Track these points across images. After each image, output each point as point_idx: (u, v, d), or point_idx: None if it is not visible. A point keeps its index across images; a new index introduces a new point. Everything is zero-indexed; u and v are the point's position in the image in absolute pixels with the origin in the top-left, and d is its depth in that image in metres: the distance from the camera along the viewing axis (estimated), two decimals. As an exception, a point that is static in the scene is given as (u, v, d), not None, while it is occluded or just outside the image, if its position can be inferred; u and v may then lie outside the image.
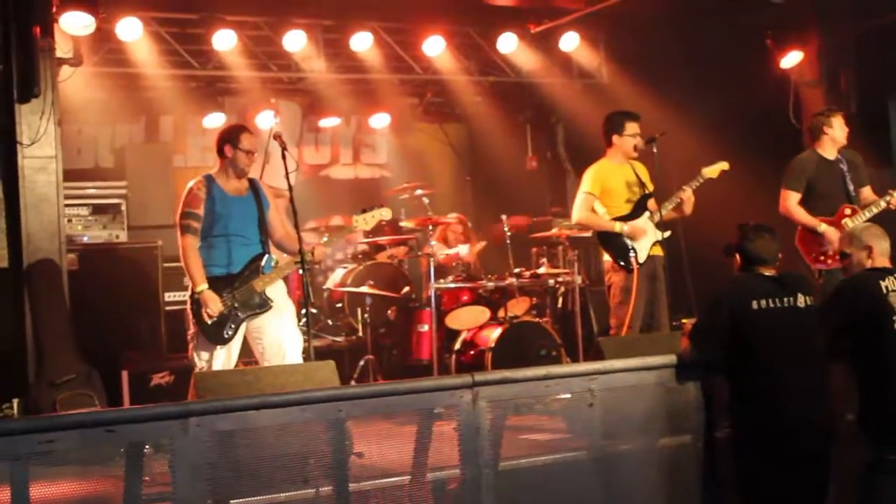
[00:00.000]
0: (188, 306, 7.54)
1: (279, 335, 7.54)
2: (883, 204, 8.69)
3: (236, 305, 7.46)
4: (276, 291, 7.65)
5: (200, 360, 7.48)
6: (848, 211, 8.79)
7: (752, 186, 9.64)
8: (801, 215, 8.79)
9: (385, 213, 7.97)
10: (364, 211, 7.91)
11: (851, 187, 8.89)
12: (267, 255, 7.65)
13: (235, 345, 7.54)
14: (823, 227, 8.71)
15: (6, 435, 4.69)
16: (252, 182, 7.80)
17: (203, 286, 7.39)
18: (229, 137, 7.68)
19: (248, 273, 7.55)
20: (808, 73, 10.82)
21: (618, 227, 8.61)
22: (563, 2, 11.76)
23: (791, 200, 8.82)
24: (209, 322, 7.40)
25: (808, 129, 9.26)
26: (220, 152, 7.69)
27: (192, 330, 7.56)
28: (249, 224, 7.67)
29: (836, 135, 8.95)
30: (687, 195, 8.64)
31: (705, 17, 10.99)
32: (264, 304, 7.53)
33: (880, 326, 6.01)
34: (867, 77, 10.69)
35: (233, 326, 7.46)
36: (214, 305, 7.39)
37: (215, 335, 7.44)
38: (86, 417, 5.11)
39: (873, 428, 6.04)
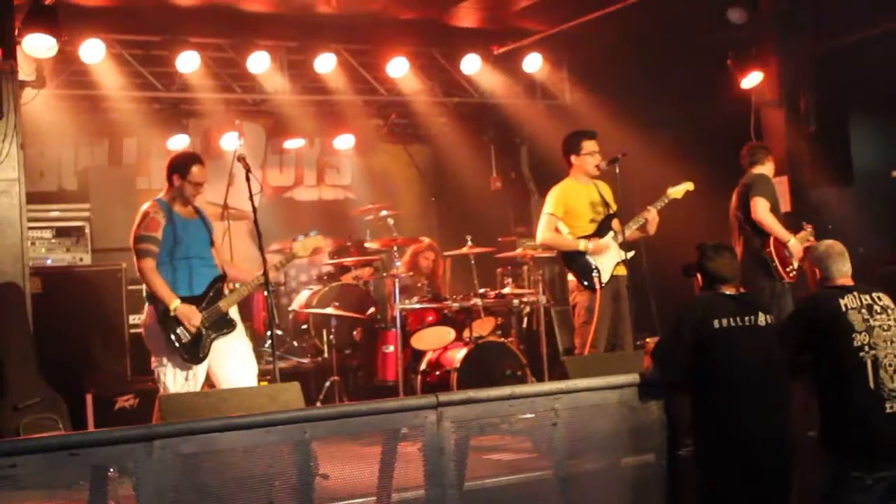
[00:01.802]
0: (154, 331, 7.50)
1: (239, 356, 7.61)
2: None
3: (206, 325, 7.47)
4: (235, 314, 7.74)
5: (174, 382, 7.45)
6: (809, 228, 8.98)
7: (715, 206, 9.72)
8: (776, 225, 9.14)
9: (317, 241, 8.02)
10: (294, 239, 7.98)
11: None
12: (224, 277, 7.71)
13: (202, 367, 7.54)
14: (793, 241, 9.05)
15: (-31, 459, 4.67)
16: (196, 207, 7.86)
17: (176, 302, 7.40)
18: (178, 167, 7.70)
19: (212, 294, 7.59)
20: (769, 92, 10.92)
21: (581, 244, 8.66)
22: (526, 23, 11.83)
23: (765, 207, 9.14)
24: (185, 341, 7.41)
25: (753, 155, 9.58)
26: (169, 179, 7.73)
27: (158, 355, 7.54)
28: (205, 246, 7.74)
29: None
30: (651, 215, 8.71)
31: (667, 38, 11.10)
32: (231, 324, 7.61)
33: (840, 344, 6.05)
34: (827, 97, 10.80)
35: (205, 346, 7.48)
36: (195, 317, 7.41)
37: (192, 354, 7.44)
38: (50, 441, 5.09)
39: (835, 445, 6.09)
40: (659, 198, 8.78)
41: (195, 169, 7.67)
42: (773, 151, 10.38)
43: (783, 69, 10.88)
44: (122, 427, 5.26)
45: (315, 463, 5.64)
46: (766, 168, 9.50)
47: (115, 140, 12.85)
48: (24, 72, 9.34)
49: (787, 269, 9.12)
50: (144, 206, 7.70)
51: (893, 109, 10.85)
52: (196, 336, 7.43)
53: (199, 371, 7.52)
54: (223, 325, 7.57)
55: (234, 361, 7.58)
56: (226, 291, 7.67)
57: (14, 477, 4.68)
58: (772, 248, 9.13)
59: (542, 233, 8.87)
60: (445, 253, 10.75)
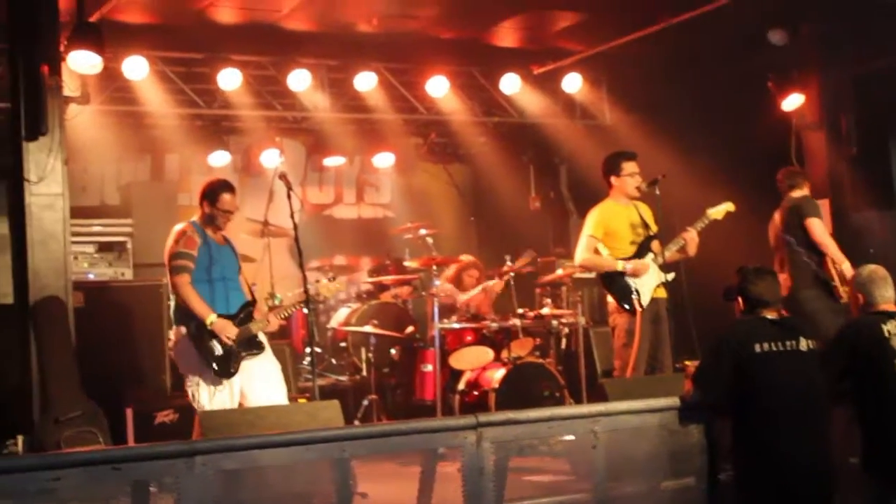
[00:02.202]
0: (184, 349, 7.61)
1: (267, 378, 7.67)
2: None
3: (238, 342, 7.52)
4: (264, 337, 7.84)
5: (210, 399, 7.51)
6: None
7: (755, 228, 9.68)
8: (834, 247, 9.18)
9: (340, 285, 8.27)
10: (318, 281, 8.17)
11: None
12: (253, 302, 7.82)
13: (236, 385, 7.59)
14: (847, 264, 8.97)
15: (13, 472, 4.72)
16: (224, 235, 7.95)
17: (213, 316, 7.49)
18: (209, 194, 7.79)
19: (243, 315, 7.67)
20: (809, 115, 10.88)
21: (620, 265, 8.60)
22: (566, 43, 11.84)
23: (823, 228, 9.30)
24: (218, 354, 7.48)
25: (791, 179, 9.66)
26: (201, 204, 7.83)
27: (191, 373, 7.61)
28: (235, 271, 7.87)
29: None
30: (691, 236, 8.65)
31: (707, 59, 11.08)
32: (260, 346, 7.69)
33: (882, 369, 6.03)
34: (867, 119, 10.75)
35: (236, 361, 7.54)
36: (231, 330, 7.49)
37: (224, 367, 7.51)
38: (93, 455, 5.14)
39: (877, 471, 6.05)
40: (699, 219, 8.74)
41: (226, 196, 7.75)
42: (814, 174, 10.40)
43: (824, 91, 10.84)
44: (164, 442, 5.30)
45: (354, 481, 5.67)
46: (804, 192, 9.52)
47: (157, 156, 12.95)
48: (69, 88, 9.42)
49: (845, 289, 9.03)
50: (180, 226, 7.80)
51: (935, 132, 10.80)
52: (228, 350, 7.50)
53: (234, 388, 7.57)
54: (253, 346, 7.66)
55: (263, 384, 7.63)
56: (256, 316, 7.73)
57: (56, 490, 4.73)
58: (830, 268, 9.09)
59: (581, 254, 8.84)
60: (505, 268, 10.65)
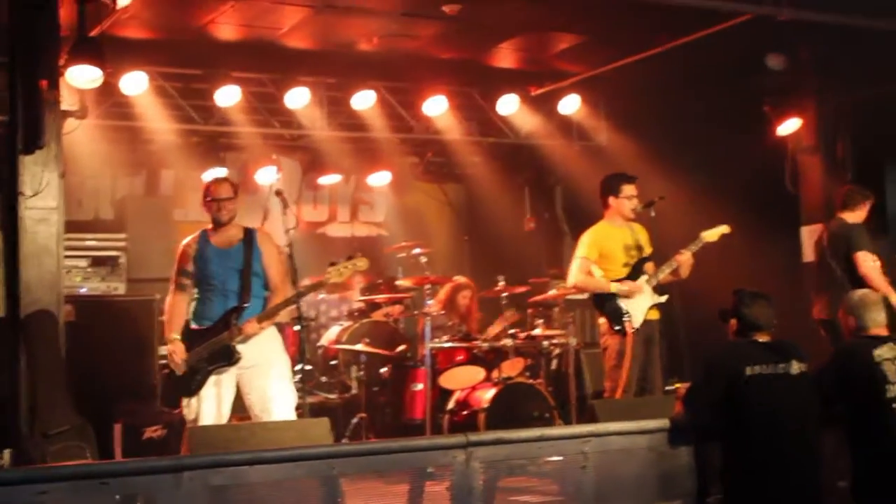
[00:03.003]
0: None
1: (264, 391, 7.48)
2: None
3: (205, 357, 7.47)
4: (266, 346, 7.58)
5: (193, 409, 7.46)
6: None
7: (749, 251, 9.68)
8: (881, 281, 8.88)
9: (361, 264, 7.63)
10: (333, 264, 7.62)
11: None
12: (245, 308, 7.52)
13: (226, 399, 7.51)
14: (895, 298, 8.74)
15: (0, 485, 4.69)
16: (248, 232, 7.74)
17: (172, 336, 7.51)
18: (204, 194, 7.77)
19: (220, 325, 7.51)
20: (806, 139, 10.92)
21: (613, 287, 8.59)
22: (565, 65, 11.87)
23: (872, 263, 8.98)
24: (177, 375, 7.48)
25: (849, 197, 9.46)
26: (205, 209, 7.82)
27: None
28: (231, 276, 7.60)
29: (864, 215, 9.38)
30: (685, 258, 8.64)
31: (705, 82, 11.10)
32: (231, 357, 7.41)
33: (873, 394, 6.03)
34: (864, 145, 10.77)
35: (198, 378, 7.45)
36: (178, 355, 7.47)
37: (184, 388, 7.47)
38: (80, 469, 5.14)
39: (866, 495, 6.04)
40: (693, 241, 8.73)
41: (212, 187, 7.73)
42: (809, 198, 10.40)
43: (821, 116, 10.88)
44: (152, 457, 5.29)
45: (342, 499, 5.64)
46: (858, 215, 9.35)
47: (152, 171, 12.93)
48: (67, 102, 9.41)
49: None
50: (186, 240, 7.81)
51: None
52: (191, 370, 7.45)
53: (225, 402, 7.49)
54: (222, 358, 7.43)
55: (256, 397, 7.48)
56: (241, 321, 7.49)
57: (42, 504, 4.71)
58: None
59: (574, 275, 8.83)
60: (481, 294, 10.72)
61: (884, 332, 6.31)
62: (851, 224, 9.28)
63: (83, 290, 10.82)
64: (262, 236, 7.76)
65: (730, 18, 9.66)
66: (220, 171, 12.24)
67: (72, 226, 10.27)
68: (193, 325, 7.57)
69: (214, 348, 7.45)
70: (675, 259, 8.65)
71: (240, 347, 7.44)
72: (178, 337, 7.52)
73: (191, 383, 7.45)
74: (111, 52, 9.24)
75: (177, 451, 6.49)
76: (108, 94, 10.61)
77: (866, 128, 10.70)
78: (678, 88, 11.35)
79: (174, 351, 7.48)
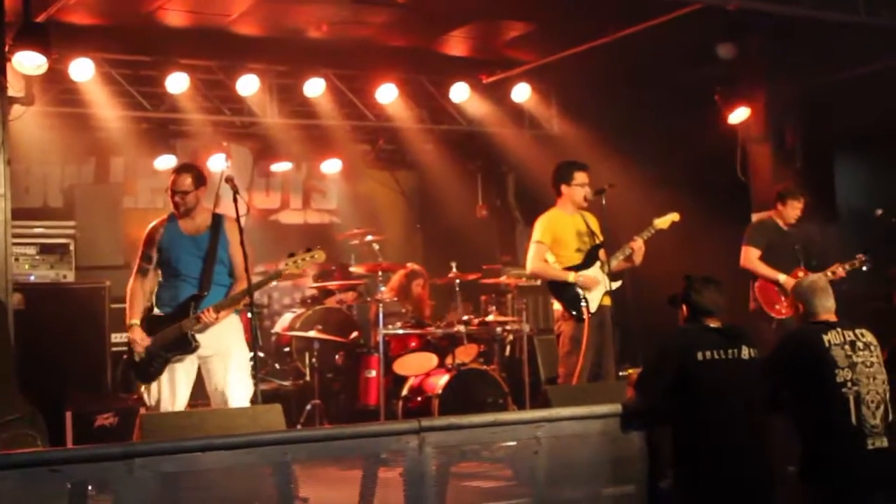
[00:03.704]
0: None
1: (222, 379, 7.50)
2: None
3: (163, 344, 7.46)
4: (226, 334, 7.59)
5: (149, 397, 7.52)
6: (801, 273, 9.09)
7: (700, 238, 9.76)
8: (762, 268, 9.61)
9: (318, 257, 7.61)
10: (292, 255, 7.60)
11: (802, 261, 9.64)
12: (204, 296, 7.52)
13: (182, 385, 7.51)
14: (784, 278, 9.42)
15: (-51, 473, 4.64)
16: (216, 219, 7.72)
17: (131, 321, 7.51)
18: (168, 184, 7.74)
19: (178, 313, 7.51)
20: (755, 128, 10.99)
21: (572, 277, 8.63)
22: (516, 53, 11.88)
23: (753, 255, 9.65)
24: (137, 360, 7.48)
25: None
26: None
27: None
28: (194, 263, 7.60)
29: (786, 213, 9.80)
30: (638, 245, 8.70)
31: (655, 71, 11.16)
32: (188, 345, 7.43)
33: (821, 380, 6.07)
34: (813, 134, 10.87)
35: (155, 365, 7.46)
36: (139, 342, 7.47)
37: (141, 374, 7.51)
38: (29, 457, 5.08)
39: (816, 480, 6.09)
40: (645, 228, 8.79)
41: (173, 177, 7.72)
42: (759, 187, 10.53)
43: (770, 105, 10.96)
44: (103, 444, 5.24)
45: (295, 486, 5.62)
46: (778, 213, 9.87)
47: (102, 158, 12.81)
48: (14, 88, 9.30)
49: (772, 305, 9.42)
50: (152, 223, 7.80)
51: (878, 148, 10.93)
52: (149, 356, 7.46)
53: (181, 388, 7.49)
54: (179, 346, 7.45)
55: (213, 385, 7.53)
56: (201, 309, 7.48)
57: (-9, 492, 4.67)
58: (759, 290, 9.54)
59: (532, 262, 8.83)
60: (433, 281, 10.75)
61: (832, 317, 6.34)
62: (754, 221, 10.05)
63: (32, 278, 10.73)
64: (230, 224, 7.70)
65: (680, 7, 9.71)
66: (170, 159, 12.22)
67: (20, 213, 10.19)
68: (156, 311, 7.57)
69: (173, 336, 7.45)
70: (628, 246, 8.71)
71: (200, 336, 7.46)
72: (138, 322, 7.51)
73: (149, 369, 7.47)
74: (58, 39, 9.16)
75: (129, 439, 6.45)
76: (56, 80, 10.51)
77: (815, 117, 10.80)
78: (629, 77, 11.40)
79: (134, 338, 7.48)
